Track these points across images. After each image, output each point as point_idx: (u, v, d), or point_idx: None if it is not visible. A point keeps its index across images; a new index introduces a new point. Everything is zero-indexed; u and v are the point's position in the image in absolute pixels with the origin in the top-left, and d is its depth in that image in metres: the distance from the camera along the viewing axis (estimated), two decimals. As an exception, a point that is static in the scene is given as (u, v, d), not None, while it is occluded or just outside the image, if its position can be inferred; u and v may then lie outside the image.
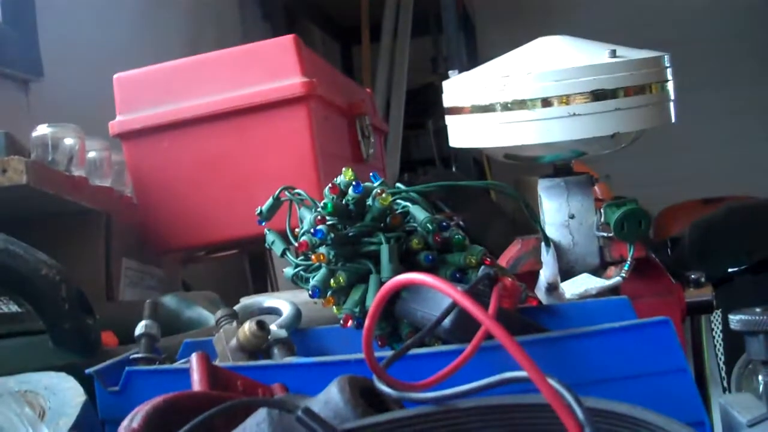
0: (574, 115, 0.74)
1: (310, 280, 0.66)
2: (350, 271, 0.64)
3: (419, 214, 0.65)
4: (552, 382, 0.39)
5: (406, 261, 0.65)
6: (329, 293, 0.65)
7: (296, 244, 0.67)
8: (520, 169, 0.97)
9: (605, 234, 0.81)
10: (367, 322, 0.49)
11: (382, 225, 0.65)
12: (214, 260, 1.55)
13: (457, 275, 0.65)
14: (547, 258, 0.81)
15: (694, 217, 1.59)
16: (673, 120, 0.79)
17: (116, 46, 1.86)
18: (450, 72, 0.85)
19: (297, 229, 0.70)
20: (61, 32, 1.67)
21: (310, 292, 0.65)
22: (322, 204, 0.65)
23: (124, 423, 0.45)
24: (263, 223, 0.74)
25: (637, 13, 3.51)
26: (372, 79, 3.15)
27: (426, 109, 3.35)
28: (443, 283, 0.46)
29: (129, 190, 1.33)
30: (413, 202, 0.67)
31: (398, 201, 0.67)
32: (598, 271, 0.82)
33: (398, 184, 0.69)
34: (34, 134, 1.17)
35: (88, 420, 0.58)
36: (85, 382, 0.62)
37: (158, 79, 1.28)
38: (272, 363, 0.66)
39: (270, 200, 0.73)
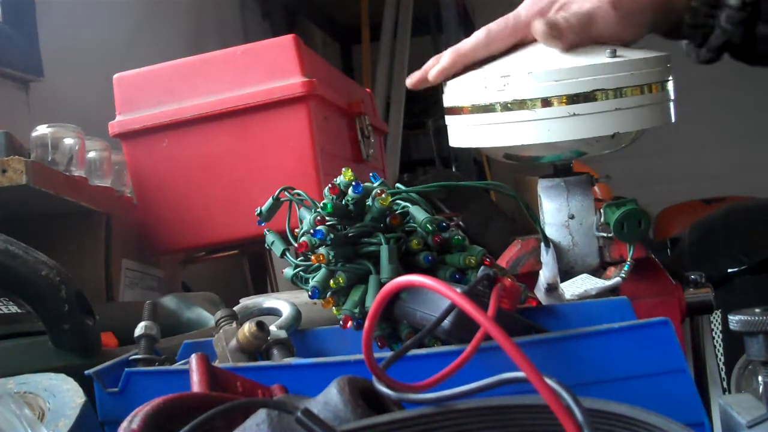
0: (574, 115, 0.74)
1: (310, 280, 0.66)
2: (350, 272, 0.64)
3: (419, 214, 0.65)
4: (550, 382, 0.39)
5: (405, 261, 0.65)
6: (329, 294, 0.65)
7: (296, 245, 0.67)
8: (520, 169, 0.97)
9: (605, 234, 0.81)
10: (366, 323, 0.49)
11: (381, 225, 0.65)
12: (213, 261, 1.55)
13: (457, 276, 0.65)
14: (547, 258, 0.81)
15: (694, 217, 1.60)
16: (673, 120, 0.79)
17: (116, 46, 1.86)
18: (450, 72, 0.85)
19: (297, 230, 0.70)
20: (61, 32, 1.67)
21: (309, 292, 0.65)
22: (321, 204, 0.65)
23: (124, 424, 0.45)
24: (263, 224, 0.74)
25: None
26: (372, 79, 3.15)
27: (426, 109, 3.35)
28: (442, 284, 0.46)
29: (129, 190, 1.33)
30: (413, 202, 0.67)
31: (398, 201, 0.67)
32: (598, 272, 0.82)
33: (398, 185, 0.69)
34: (34, 134, 1.17)
35: (88, 421, 0.59)
36: (85, 383, 0.62)
37: (158, 79, 1.28)
38: (272, 364, 0.66)
39: (270, 200, 0.73)
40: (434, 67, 0.83)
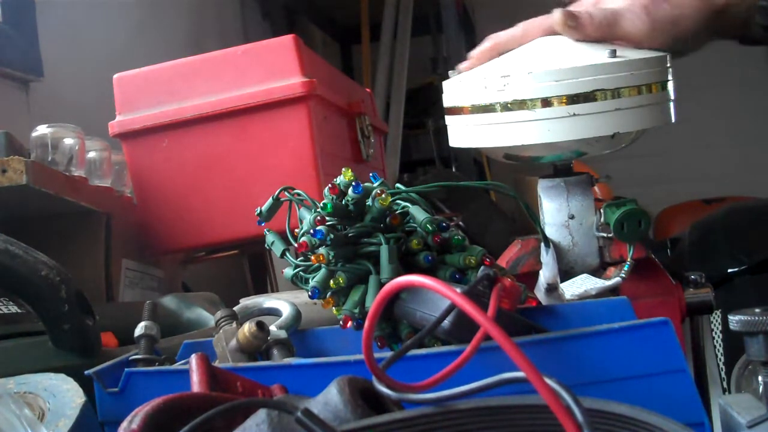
0: (574, 115, 0.74)
1: (310, 280, 0.66)
2: (350, 272, 0.64)
3: (419, 214, 0.65)
4: (550, 382, 0.39)
5: (405, 261, 0.65)
6: (329, 294, 0.65)
7: (296, 245, 0.67)
8: (520, 169, 0.97)
9: (605, 234, 0.81)
10: (366, 323, 0.49)
11: (381, 225, 0.65)
12: (213, 261, 1.55)
13: (457, 276, 0.65)
14: (547, 258, 0.81)
15: (694, 217, 1.60)
16: (673, 120, 0.79)
17: (116, 46, 1.86)
18: (450, 72, 0.85)
19: (297, 230, 0.70)
20: (61, 32, 1.67)
21: (309, 292, 0.65)
22: (321, 204, 0.65)
23: (124, 424, 0.45)
24: (263, 224, 0.74)
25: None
26: (372, 79, 3.15)
27: (426, 109, 3.35)
28: (442, 284, 0.46)
29: (129, 190, 1.33)
30: (413, 202, 0.67)
31: (398, 201, 0.67)
32: (598, 272, 0.82)
33: (398, 185, 0.69)
34: (34, 134, 1.17)
35: (88, 421, 0.59)
36: (85, 383, 0.62)
37: (158, 79, 1.28)
38: (271, 364, 0.66)
39: (270, 201, 0.73)
40: (472, 51, 0.83)
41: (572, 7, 0.81)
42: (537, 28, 0.82)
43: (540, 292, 0.79)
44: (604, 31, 0.77)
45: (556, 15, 0.77)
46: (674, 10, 0.77)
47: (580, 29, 0.77)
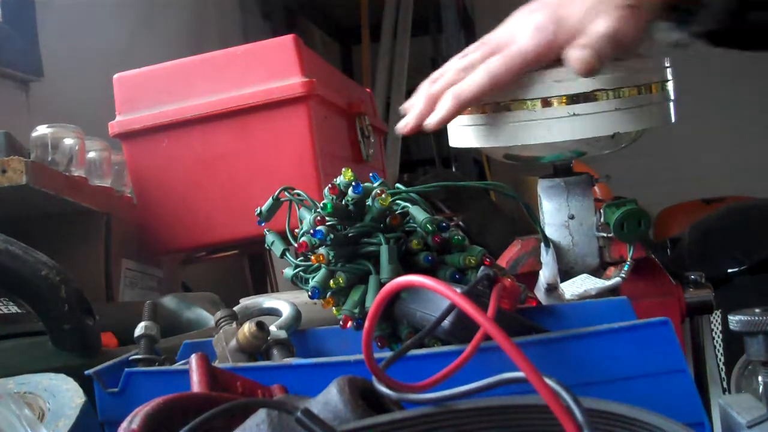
0: (574, 115, 0.74)
1: (310, 280, 0.66)
2: (350, 272, 0.64)
3: (419, 214, 0.65)
4: (550, 382, 0.39)
5: (405, 261, 0.65)
6: (329, 294, 0.65)
7: (296, 245, 0.67)
8: (520, 169, 0.97)
9: (605, 234, 0.81)
10: (366, 323, 0.49)
11: (381, 225, 0.65)
12: (213, 261, 1.55)
13: (457, 276, 0.65)
14: (547, 258, 0.81)
15: (694, 217, 1.60)
16: (673, 120, 0.79)
17: (116, 46, 1.86)
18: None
19: (297, 230, 0.70)
20: (61, 32, 1.67)
21: (309, 292, 0.65)
22: (321, 204, 0.65)
23: (124, 424, 0.45)
24: (263, 224, 0.74)
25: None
26: (372, 79, 3.15)
27: (426, 109, 3.34)
28: (442, 284, 0.46)
29: (129, 190, 1.34)
30: (413, 202, 0.67)
31: (398, 201, 0.67)
32: (598, 272, 0.82)
33: (398, 185, 0.69)
34: (34, 134, 1.17)
35: (88, 421, 0.59)
36: (85, 383, 0.62)
37: (158, 79, 1.28)
38: (271, 364, 0.66)
39: (270, 201, 0.73)
40: (432, 115, 0.76)
41: (533, 39, 0.73)
42: (510, 76, 0.73)
43: (540, 292, 0.79)
44: (609, 58, 0.72)
45: (577, 55, 0.70)
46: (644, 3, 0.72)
47: (597, 68, 0.71)
